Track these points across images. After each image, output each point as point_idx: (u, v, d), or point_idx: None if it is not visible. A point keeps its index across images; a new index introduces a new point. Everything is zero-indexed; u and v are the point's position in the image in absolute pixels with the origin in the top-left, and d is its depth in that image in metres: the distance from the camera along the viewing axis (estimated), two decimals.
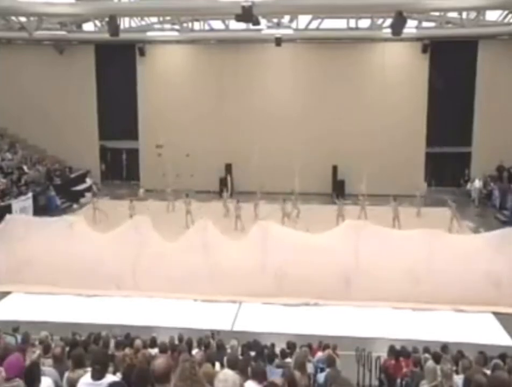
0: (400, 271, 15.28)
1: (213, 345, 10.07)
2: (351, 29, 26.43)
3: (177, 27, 26.68)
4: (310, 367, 8.56)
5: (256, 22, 17.76)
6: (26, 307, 15.25)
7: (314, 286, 15.29)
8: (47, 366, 6.50)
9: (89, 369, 5.23)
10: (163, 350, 8.78)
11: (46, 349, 7.74)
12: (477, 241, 17.13)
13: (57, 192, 24.90)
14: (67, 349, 7.75)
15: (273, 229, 17.05)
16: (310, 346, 10.95)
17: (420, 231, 16.50)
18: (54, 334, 9.92)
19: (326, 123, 27.17)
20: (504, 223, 20.97)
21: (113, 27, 18.18)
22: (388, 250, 15.80)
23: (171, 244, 17.07)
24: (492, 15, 24.92)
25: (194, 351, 9.31)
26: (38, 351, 7.55)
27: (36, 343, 9.01)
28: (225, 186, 25.01)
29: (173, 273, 15.85)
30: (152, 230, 17.29)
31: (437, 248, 15.70)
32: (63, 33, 26.91)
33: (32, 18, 22.01)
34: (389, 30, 19.16)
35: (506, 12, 24.11)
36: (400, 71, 27.11)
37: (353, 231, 16.53)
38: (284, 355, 9.57)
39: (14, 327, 10.88)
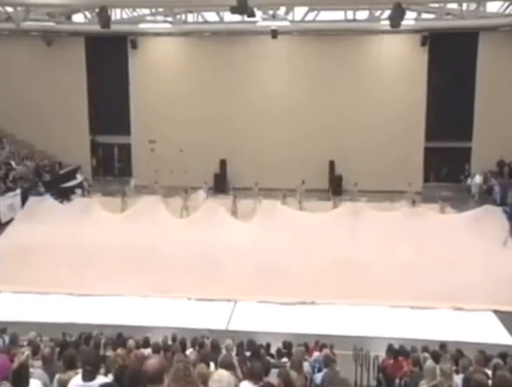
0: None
1: (207, 345, 9.91)
2: (348, 21, 26.10)
3: (170, 19, 26.29)
4: (306, 367, 8.51)
5: (252, 14, 17.91)
6: (13, 307, 15.11)
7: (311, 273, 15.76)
8: (36, 368, 6.44)
9: (81, 370, 5.24)
10: (156, 350, 8.72)
11: (35, 350, 7.68)
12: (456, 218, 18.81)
13: (47, 189, 24.29)
14: (57, 350, 7.73)
15: (279, 209, 18.94)
16: (306, 345, 10.82)
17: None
18: (43, 335, 9.88)
19: (323, 117, 26.84)
20: None
21: (104, 19, 17.87)
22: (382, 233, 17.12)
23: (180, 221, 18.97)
24: (493, 7, 24.64)
25: (188, 351, 9.19)
26: (27, 352, 7.46)
27: (25, 344, 8.93)
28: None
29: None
30: (164, 210, 19.10)
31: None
32: (52, 24, 26.22)
33: (19, 8, 21.77)
34: (387, 22, 19.16)
35: (507, 3, 23.91)
36: (399, 64, 26.80)
37: (349, 214, 18.04)
38: (280, 354, 9.60)
39: (2, 328, 10.76)
